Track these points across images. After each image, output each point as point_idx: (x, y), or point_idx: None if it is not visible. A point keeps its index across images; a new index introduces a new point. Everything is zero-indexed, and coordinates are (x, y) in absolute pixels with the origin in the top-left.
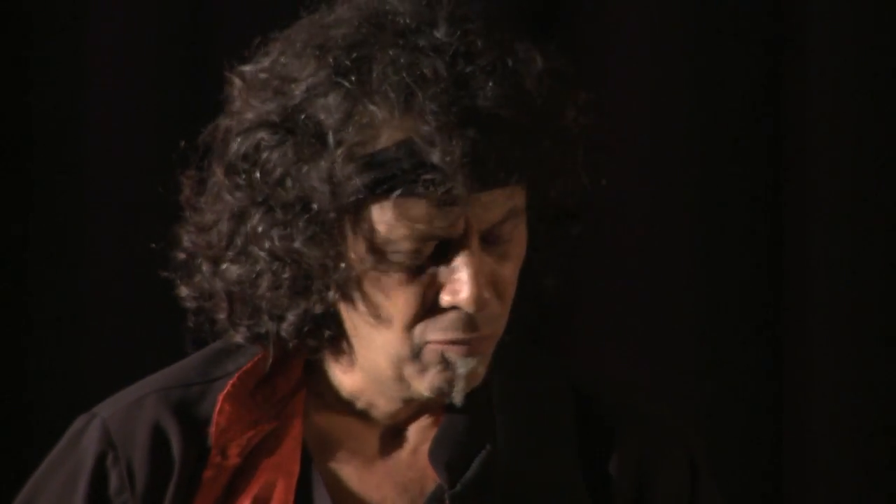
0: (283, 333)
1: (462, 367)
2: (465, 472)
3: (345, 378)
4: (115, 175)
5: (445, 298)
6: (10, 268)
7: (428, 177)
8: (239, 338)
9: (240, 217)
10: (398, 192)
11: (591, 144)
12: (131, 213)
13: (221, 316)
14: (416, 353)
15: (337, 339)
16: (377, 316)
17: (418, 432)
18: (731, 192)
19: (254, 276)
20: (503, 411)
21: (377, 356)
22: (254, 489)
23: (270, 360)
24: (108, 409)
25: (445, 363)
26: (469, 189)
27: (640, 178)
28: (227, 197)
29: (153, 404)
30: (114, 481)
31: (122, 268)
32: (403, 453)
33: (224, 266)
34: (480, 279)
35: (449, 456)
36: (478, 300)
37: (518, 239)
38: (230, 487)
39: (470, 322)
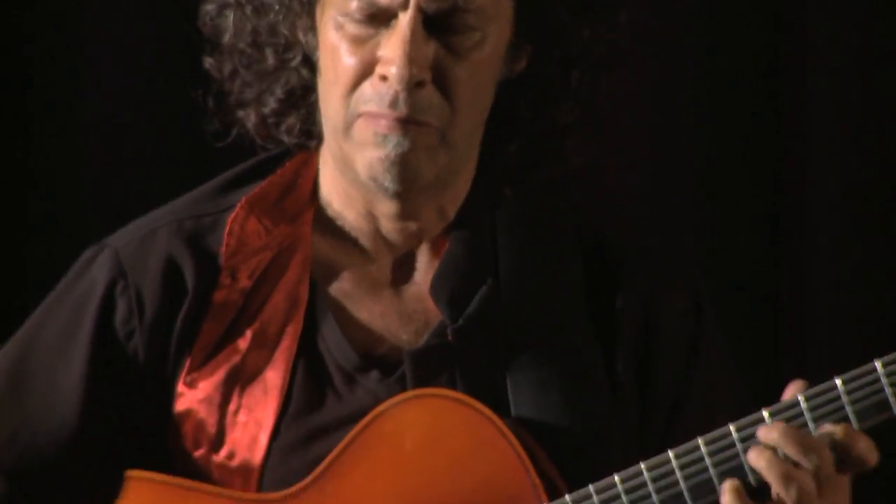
0: (266, 111)
1: (390, 144)
2: (466, 307)
3: (332, 189)
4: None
5: (379, 69)
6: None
7: None
8: (245, 119)
9: None
10: None
11: None
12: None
13: (227, 83)
14: (349, 126)
15: (317, 128)
16: (327, 83)
17: (422, 264)
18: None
19: (219, 14)
20: (506, 246)
21: (331, 137)
22: (264, 314)
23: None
24: (119, 240)
25: (377, 142)
26: None
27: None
28: None
29: (166, 236)
30: (121, 310)
31: None
32: (407, 284)
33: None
34: (412, 55)
35: (450, 291)
36: (403, 73)
37: (479, 42)
38: (241, 312)
39: (396, 98)
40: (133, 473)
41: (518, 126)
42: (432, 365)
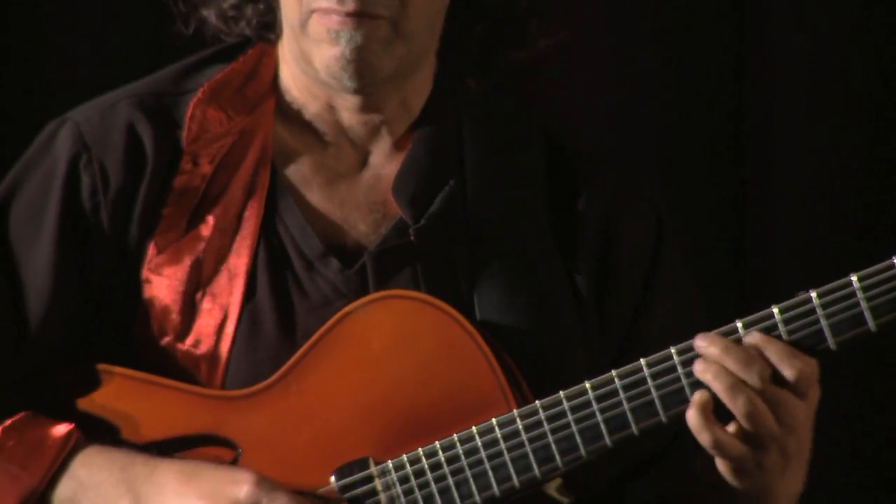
0: (225, 6)
1: (343, 40)
2: (428, 207)
3: (291, 83)
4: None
5: None
6: None
7: None
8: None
9: None
10: None
11: None
12: None
13: None
14: (304, 23)
15: (277, 23)
16: None
17: (383, 157)
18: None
19: None
20: (472, 148)
21: (290, 34)
22: (225, 199)
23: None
24: (80, 114)
25: (330, 38)
26: None
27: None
28: None
29: (127, 108)
30: (86, 184)
31: None
32: (367, 176)
33: None
34: None
35: (413, 190)
36: None
37: None
38: (203, 198)
39: None
40: (97, 366)
41: (479, 10)
42: (394, 264)
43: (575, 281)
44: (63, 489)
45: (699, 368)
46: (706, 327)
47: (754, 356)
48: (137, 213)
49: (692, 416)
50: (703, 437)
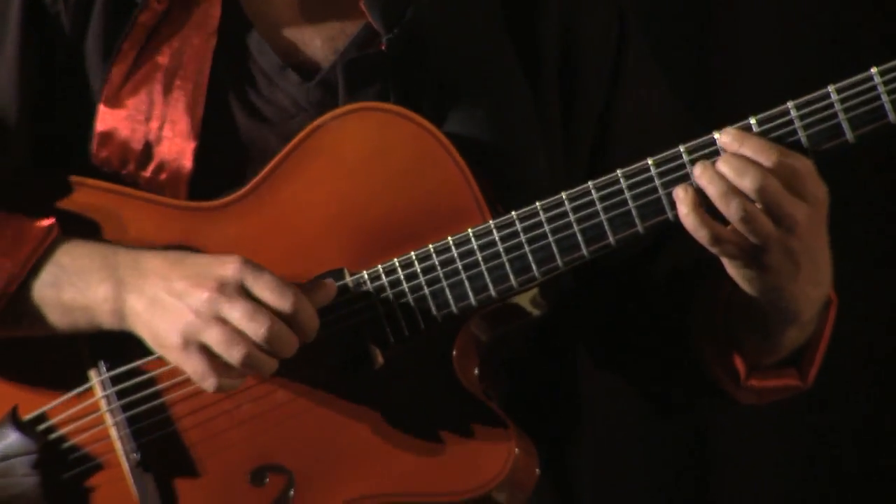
0: None
1: None
2: (400, 18)
3: None
4: None
5: None
6: None
7: None
8: None
9: None
10: None
11: None
12: None
13: None
14: None
15: None
16: None
17: None
18: None
19: None
20: None
21: None
22: (183, 31)
23: None
24: None
25: None
26: None
27: None
28: None
29: None
30: None
31: None
32: None
33: None
34: None
35: (384, 1)
36: None
37: None
38: (159, 27)
39: None
40: (66, 178)
41: None
42: (364, 75)
43: (538, 90)
44: (45, 275)
45: (697, 172)
46: (683, 124)
47: (749, 162)
48: (97, 38)
49: (686, 215)
50: (702, 234)
